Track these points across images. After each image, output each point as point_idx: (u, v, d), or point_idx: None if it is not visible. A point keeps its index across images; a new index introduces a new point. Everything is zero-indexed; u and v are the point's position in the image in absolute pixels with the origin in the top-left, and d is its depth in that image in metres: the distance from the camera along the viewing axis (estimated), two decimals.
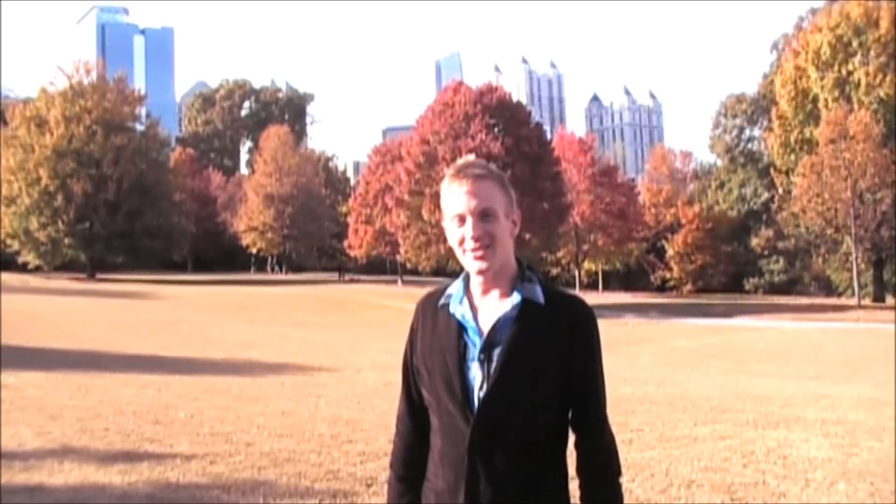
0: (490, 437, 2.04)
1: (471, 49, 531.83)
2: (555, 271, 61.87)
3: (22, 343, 18.58)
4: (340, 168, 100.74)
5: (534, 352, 2.06)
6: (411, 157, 46.08)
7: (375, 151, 64.08)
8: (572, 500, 2.15)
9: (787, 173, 51.58)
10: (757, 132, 68.30)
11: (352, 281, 62.00)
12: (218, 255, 77.90)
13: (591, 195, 54.66)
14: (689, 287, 64.75)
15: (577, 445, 2.16)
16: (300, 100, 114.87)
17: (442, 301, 2.18)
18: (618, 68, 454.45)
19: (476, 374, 2.07)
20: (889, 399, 10.76)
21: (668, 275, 66.04)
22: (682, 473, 6.46)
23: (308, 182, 74.21)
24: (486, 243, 2.09)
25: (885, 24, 47.89)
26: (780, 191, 52.38)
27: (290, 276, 68.06)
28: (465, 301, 2.15)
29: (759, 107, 66.00)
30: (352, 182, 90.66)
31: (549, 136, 54.77)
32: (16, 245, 58.39)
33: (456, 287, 2.19)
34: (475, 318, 2.12)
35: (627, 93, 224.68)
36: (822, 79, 49.93)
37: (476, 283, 2.15)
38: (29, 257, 58.86)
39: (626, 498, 2.18)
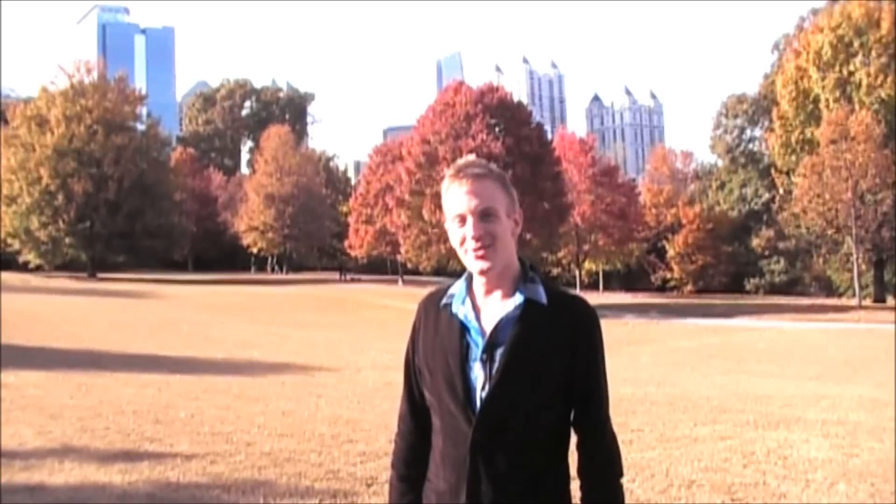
0: (492, 437, 2.03)
1: (472, 49, 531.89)
2: (555, 271, 61.86)
3: (22, 342, 18.59)
4: (341, 168, 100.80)
5: (536, 352, 2.05)
6: (412, 157, 46.06)
7: (376, 151, 64.12)
8: (574, 501, 2.15)
9: (787, 174, 51.58)
10: (758, 132, 68.29)
11: (353, 281, 62.02)
12: (218, 255, 77.92)
13: (592, 195, 54.64)
14: (689, 287, 64.75)
15: (578, 446, 2.15)
16: (301, 99, 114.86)
17: (444, 301, 2.18)
18: (619, 68, 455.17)
19: (478, 374, 2.06)
20: (889, 399, 10.76)
21: (668, 275, 66.03)
22: (682, 474, 6.46)
23: (309, 182, 74.22)
24: (487, 243, 2.08)
25: (886, 24, 47.88)
26: (781, 191, 52.35)
27: (291, 276, 68.09)
28: (468, 301, 2.14)
29: (760, 107, 65.99)
30: (352, 182, 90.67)
31: (549, 136, 54.74)
32: (16, 244, 58.39)
33: (458, 287, 2.18)
34: (478, 319, 2.11)
35: (628, 93, 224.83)
36: (823, 79, 49.92)
37: (479, 283, 2.14)
38: (29, 257, 58.88)
39: (627, 498, 2.18)
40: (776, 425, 8.90)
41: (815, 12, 59.86)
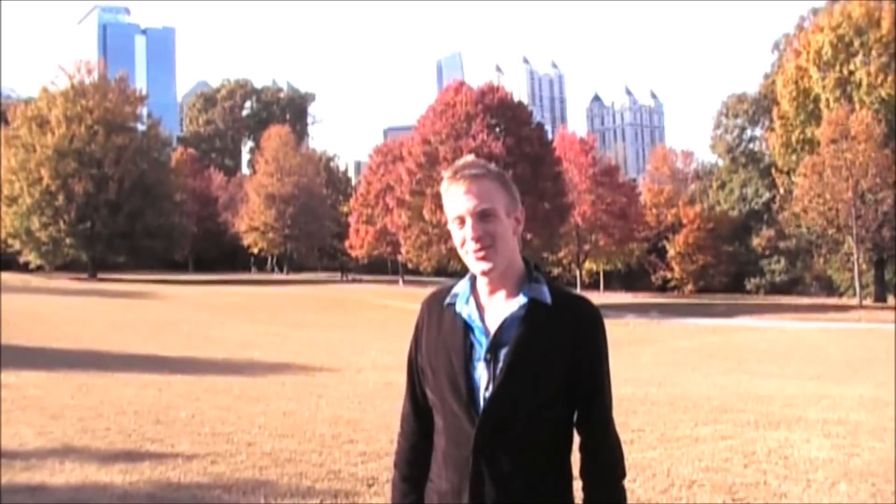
0: (495, 437, 2.02)
1: (472, 49, 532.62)
2: (556, 271, 61.82)
3: (23, 343, 18.59)
4: (342, 168, 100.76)
5: (540, 352, 2.04)
6: (412, 157, 46.07)
7: (377, 151, 64.13)
8: (576, 502, 2.14)
9: (788, 173, 51.60)
10: (758, 132, 68.27)
11: (354, 281, 62.02)
12: (219, 256, 77.94)
13: (593, 195, 54.65)
14: (690, 287, 64.76)
15: (581, 447, 2.15)
16: (301, 100, 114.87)
17: (448, 300, 2.17)
18: (619, 68, 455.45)
19: (482, 374, 2.05)
20: (890, 399, 10.74)
21: (669, 275, 66.04)
22: (683, 474, 6.46)
23: (309, 182, 74.22)
24: (487, 244, 2.07)
25: (886, 23, 47.88)
26: (782, 191, 52.38)
27: (291, 276, 68.12)
28: (472, 300, 2.13)
29: (761, 107, 65.96)
30: (353, 182, 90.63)
31: (550, 136, 54.73)
32: (17, 245, 58.38)
33: (462, 286, 2.17)
34: (481, 318, 2.10)
35: (629, 93, 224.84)
36: (823, 79, 49.93)
37: (482, 282, 2.14)
38: (30, 257, 58.86)
39: (628, 498, 2.17)
40: (777, 425, 8.89)
41: (815, 12, 59.83)
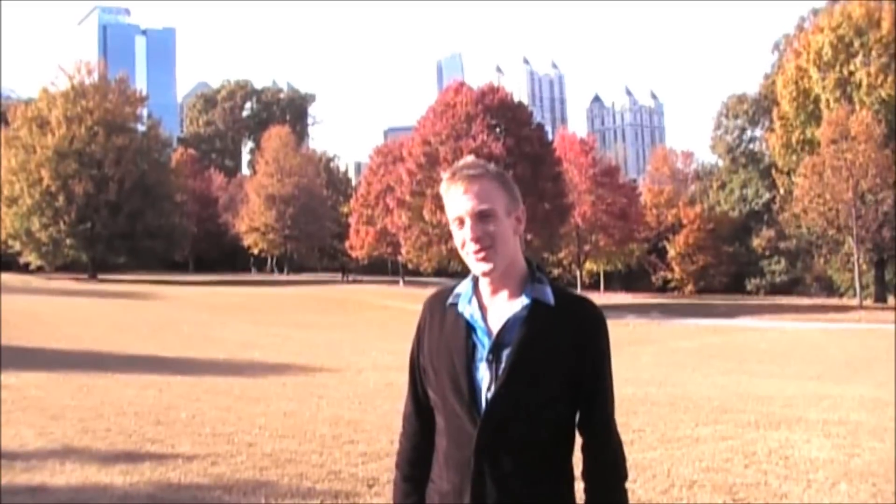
0: (497, 438, 2.02)
1: (472, 49, 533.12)
2: (556, 272, 61.80)
3: (23, 343, 18.60)
4: (342, 168, 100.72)
5: (543, 353, 2.03)
6: (413, 158, 46.07)
7: (377, 152, 64.14)
8: (578, 503, 2.14)
9: (788, 174, 51.62)
10: (758, 133, 68.29)
11: (354, 281, 62.00)
12: (219, 256, 77.95)
13: (593, 196, 54.65)
14: (690, 287, 64.74)
15: (583, 448, 2.14)
16: (301, 100, 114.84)
17: (450, 300, 2.16)
18: (619, 69, 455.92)
19: (484, 374, 2.05)
20: (891, 399, 10.74)
21: (669, 275, 66.02)
22: (683, 474, 6.46)
23: (309, 183, 74.20)
24: (486, 244, 2.07)
25: (886, 24, 47.90)
26: (782, 191, 52.40)
27: (292, 277, 68.11)
28: (474, 300, 2.12)
29: (761, 107, 65.97)
30: (353, 182, 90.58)
31: (550, 136, 54.73)
32: (17, 245, 58.40)
33: (465, 286, 2.17)
34: (484, 318, 2.10)
35: (629, 93, 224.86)
36: (823, 79, 49.94)
37: (485, 282, 2.13)
38: (30, 258, 58.86)
39: (628, 498, 2.17)
40: (777, 425, 8.89)
41: (815, 12, 59.88)
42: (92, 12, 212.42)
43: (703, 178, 76.23)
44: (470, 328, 2.10)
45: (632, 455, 6.79)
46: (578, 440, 2.15)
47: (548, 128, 63.69)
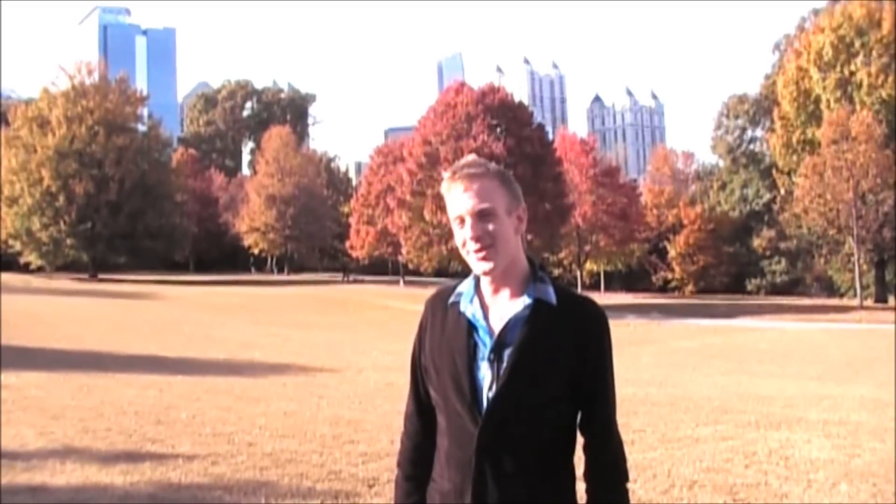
0: (498, 438, 2.01)
1: (473, 49, 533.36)
2: (557, 272, 61.76)
3: (24, 343, 18.60)
4: (342, 168, 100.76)
5: (545, 353, 2.03)
6: (413, 158, 46.08)
7: (377, 152, 64.14)
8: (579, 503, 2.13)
9: (789, 174, 51.65)
10: (759, 133, 68.31)
11: (355, 281, 62.00)
12: (220, 256, 78.02)
13: (593, 196, 54.61)
14: (690, 288, 64.74)
15: (585, 448, 2.14)
16: (302, 100, 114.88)
17: (452, 299, 2.16)
18: (620, 69, 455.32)
19: (485, 374, 2.04)
20: (891, 400, 10.74)
21: (669, 275, 66.02)
22: (684, 474, 6.46)
23: (310, 183, 74.23)
24: (486, 243, 2.06)
25: (887, 24, 47.90)
26: (782, 191, 52.40)
27: (292, 277, 68.12)
28: (476, 300, 2.12)
29: (761, 107, 65.97)
30: (354, 182, 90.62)
31: (550, 136, 54.72)
32: (18, 245, 58.43)
33: (467, 285, 2.16)
34: (486, 318, 2.10)
35: (629, 93, 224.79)
36: (824, 79, 49.93)
37: (486, 281, 2.12)
38: (31, 258, 58.88)
39: (629, 499, 2.17)
40: (778, 426, 8.89)
41: (815, 12, 59.86)
42: (92, 12, 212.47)
43: (703, 179, 76.25)
44: (472, 327, 2.09)
45: (632, 455, 6.79)
46: (580, 440, 2.15)
47: (548, 128, 63.67)
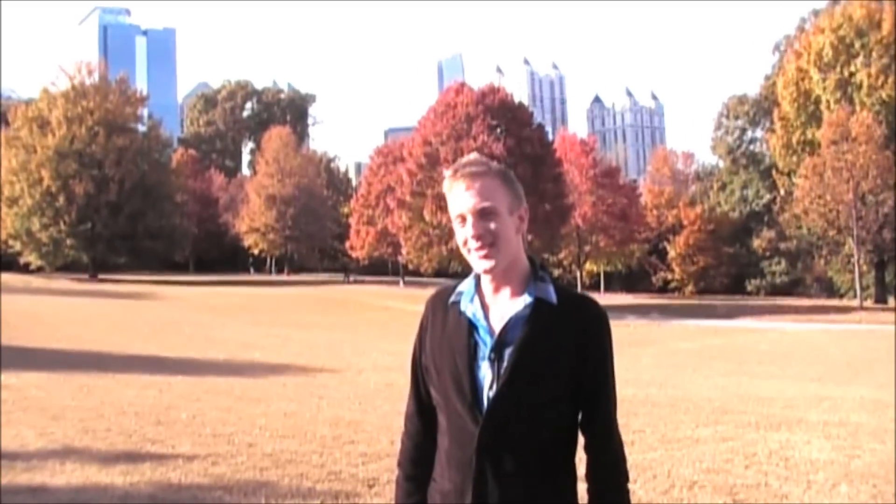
0: (499, 437, 2.01)
1: (473, 50, 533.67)
2: (557, 272, 61.73)
3: (24, 344, 18.60)
4: (342, 169, 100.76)
5: (545, 352, 2.03)
6: (413, 158, 46.09)
7: (377, 152, 64.13)
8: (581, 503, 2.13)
9: (788, 175, 51.66)
10: (759, 133, 68.30)
11: (356, 282, 61.99)
12: (220, 256, 77.98)
13: (593, 196, 54.62)
14: (690, 288, 64.72)
15: (586, 448, 2.14)
16: (302, 101, 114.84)
17: (453, 299, 2.16)
18: (620, 69, 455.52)
19: (486, 373, 2.04)
20: (891, 401, 10.74)
21: (669, 276, 66.01)
22: (684, 475, 6.46)
23: (310, 183, 74.22)
24: (488, 242, 2.06)
25: (887, 25, 47.90)
26: (782, 192, 52.42)
27: (292, 277, 68.10)
28: (477, 299, 2.12)
29: (761, 108, 65.96)
30: (353, 183, 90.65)
31: (550, 137, 54.74)
32: (18, 246, 58.41)
33: (467, 285, 2.16)
34: (486, 317, 2.09)
35: (629, 94, 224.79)
36: (824, 80, 49.94)
37: (487, 281, 2.12)
38: (31, 258, 58.86)
39: (630, 499, 2.17)
40: (778, 426, 8.89)
41: (815, 13, 59.87)
42: (92, 13, 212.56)
43: (703, 179, 76.26)
44: (472, 327, 2.09)
45: (632, 456, 6.78)
46: (581, 440, 2.15)
47: (548, 128, 63.70)
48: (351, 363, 17.34)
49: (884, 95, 47.44)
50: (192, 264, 75.77)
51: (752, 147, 69.94)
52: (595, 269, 63.75)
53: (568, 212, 47.95)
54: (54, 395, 10.72)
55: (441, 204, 40.57)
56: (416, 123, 50.36)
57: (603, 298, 48.73)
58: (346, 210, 69.63)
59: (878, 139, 44.30)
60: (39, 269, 59.19)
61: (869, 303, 47.06)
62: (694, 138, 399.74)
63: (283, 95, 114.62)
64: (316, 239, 73.56)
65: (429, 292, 2.38)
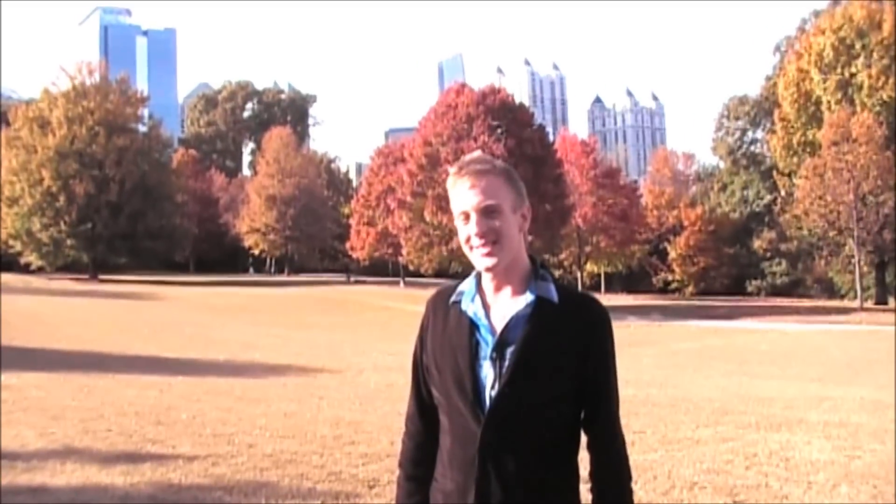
0: (501, 437, 2.01)
1: (473, 50, 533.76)
2: (557, 273, 61.41)
3: (24, 344, 18.60)
4: (343, 169, 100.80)
5: (547, 351, 2.02)
6: (414, 159, 46.11)
7: (378, 153, 64.13)
8: (584, 502, 2.13)
9: (789, 175, 51.68)
10: (759, 134, 68.33)
11: (358, 282, 61.96)
12: (220, 257, 77.98)
13: (594, 197, 54.60)
14: (691, 289, 64.66)
15: (589, 447, 2.13)
16: (303, 101, 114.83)
17: (454, 298, 2.16)
18: (620, 70, 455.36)
19: (488, 372, 2.03)
20: (891, 401, 10.74)
21: (670, 277, 65.97)
22: (684, 475, 6.46)
23: (310, 183, 74.23)
24: (491, 239, 2.06)
25: (888, 26, 47.90)
26: (783, 193, 52.46)
27: (292, 278, 68.08)
28: (478, 298, 2.11)
29: (762, 109, 65.96)
30: (354, 183, 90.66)
31: (551, 137, 54.78)
32: (18, 246, 58.43)
33: (468, 284, 2.16)
34: (487, 316, 2.09)
35: (630, 95, 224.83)
36: (824, 81, 49.94)
37: (488, 280, 2.12)
38: (31, 258, 58.87)
39: (633, 499, 2.16)
40: (778, 427, 8.89)
41: (816, 14, 59.88)
42: (93, 13, 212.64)
43: (704, 180, 76.24)
44: (473, 326, 2.09)
45: (633, 456, 6.71)
46: (583, 440, 2.15)
47: (549, 129, 63.72)
48: (351, 363, 17.34)
49: (884, 96, 47.45)
50: (192, 265, 75.76)
51: (752, 148, 69.95)
52: (595, 269, 63.71)
53: (568, 212, 47.96)
54: (54, 395, 10.72)
55: (441, 204, 40.57)
56: (416, 124, 50.40)
57: (603, 299, 48.44)
58: (346, 210, 69.64)
59: (879, 140, 44.32)
60: (40, 270, 59.19)
61: (869, 303, 47.06)
62: (694, 139, 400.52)
63: (283, 96, 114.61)
64: (316, 239, 73.59)
65: (429, 293, 2.38)
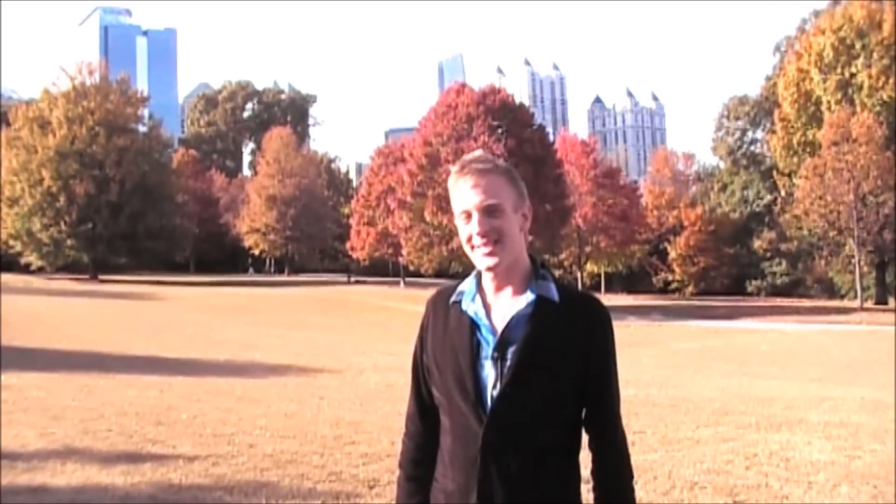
0: (503, 437, 2.01)
1: (473, 51, 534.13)
2: (557, 273, 61.23)
3: (24, 344, 18.60)
4: (343, 169, 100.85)
5: (549, 351, 2.02)
6: (414, 159, 46.11)
7: (378, 153, 64.13)
8: (586, 502, 2.13)
9: (789, 175, 51.69)
10: (760, 134, 68.33)
11: (358, 282, 61.96)
12: (220, 257, 78.00)
13: (594, 197, 54.57)
14: (691, 289, 64.65)
15: (591, 446, 2.14)
16: (303, 101, 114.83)
17: (454, 298, 2.16)
18: (620, 70, 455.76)
19: (489, 372, 2.03)
20: (891, 401, 10.74)
21: (670, 277, 65.97)
22: (684, 475, 6.46)
23: (310, 183, 74.24)
24: (493, 239, 2.06)
25: (888, 26, 47.91)
26: (783, 193, 52.47)
27: (292, 278, 68.07)
28: (478, 298, 2.11)
29: (762, 109, 65.96)
30: (354, 183, 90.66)
31: (551, 138, 54.75)
32: (18, 246, 58.45)
33: (468, 284, 2.16)
34: (488, 316, 2.09)
35: (630, 95, 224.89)
36: (824, 81, 49.95)
37: (488, 280, 2.12)
38: (31, 258, 58.90)
39: (635, 498, 2.17)
40: (778, 427, 8.89)
41: (816, 14, 59.88)
42: (93, 13, 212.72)
43: (704, 180, 76.23)
44: (474, 326, 2.09)
45: (633, 456, 6.67)
46: (585, 438, 2.15)
47: (549, 129, 63.72)
48: (351, 364, 17.33)
49: (884, 96, 47.46)
50: (192, 265, 75.77)
51: (752, 148, 69.95)
52: (596, 269, 63.70)
53: (569, 212, 47.95)
54: (55, 395, 10.71)
55: (442, 204, 40.56)
56: (416, 124, 50.39)
57: (603, 299, 47.88)
58: (346, 211, 69.64)
59: (879, 140, 44.33)
60: (40, 270, 59.22)
61: (869, 304, 47.06)
62: (695, 139, 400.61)
63: (283, 96, 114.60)
64: (316, 239, 73.61)
65: (429, 293, 2.38)
